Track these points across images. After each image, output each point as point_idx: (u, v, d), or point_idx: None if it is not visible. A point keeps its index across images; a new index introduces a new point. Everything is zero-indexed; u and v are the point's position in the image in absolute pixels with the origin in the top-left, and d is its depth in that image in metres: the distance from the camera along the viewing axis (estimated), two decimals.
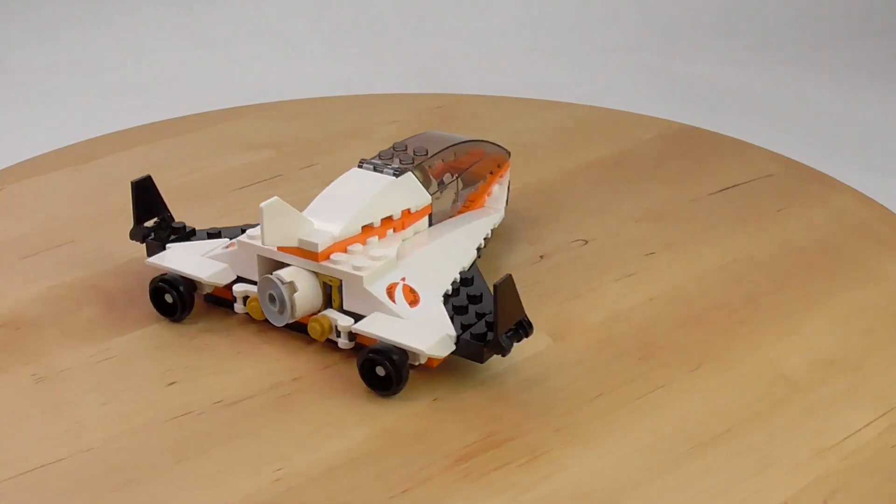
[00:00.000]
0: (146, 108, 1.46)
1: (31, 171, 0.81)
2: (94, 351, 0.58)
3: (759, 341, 0.60)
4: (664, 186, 0.79)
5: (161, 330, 0.60)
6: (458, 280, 0.59)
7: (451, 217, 0.65)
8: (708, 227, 0.73)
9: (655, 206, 0.76)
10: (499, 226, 0.68)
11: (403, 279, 0.57)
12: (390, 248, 0.59)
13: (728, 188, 0.79)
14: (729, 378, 0.57)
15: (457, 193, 0.66)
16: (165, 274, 0.60)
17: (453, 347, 0.54)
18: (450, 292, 0.58)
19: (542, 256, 0.68)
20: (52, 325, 0.61)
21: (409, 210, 0.61)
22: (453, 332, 0.54)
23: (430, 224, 0.63)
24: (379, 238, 0.59)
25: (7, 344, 0.59)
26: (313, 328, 0.56)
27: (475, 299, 0.56)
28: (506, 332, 0.53)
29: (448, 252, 0.61)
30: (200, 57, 1.84)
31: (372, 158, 0.63)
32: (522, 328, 0.55)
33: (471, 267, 0.61)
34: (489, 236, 0.66)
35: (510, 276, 0.52)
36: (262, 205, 0.55)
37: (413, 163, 0.63)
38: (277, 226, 0.55)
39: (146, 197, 0.64)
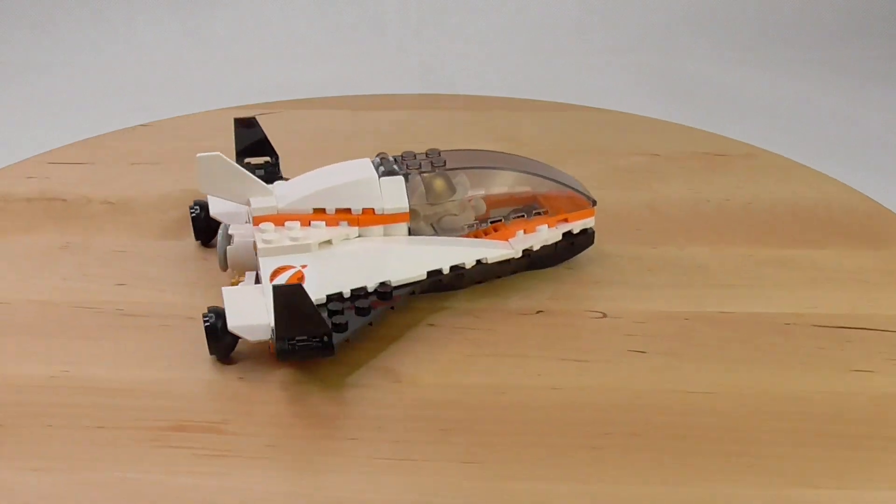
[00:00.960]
0: (146, 108, 1.48)
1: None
2: None
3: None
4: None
5: None
6: (372, 289, 0.58)
7: (459, 234, 0.63)
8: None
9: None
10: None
11: (304, 266, 0.58)
12: (321, 236, 0.59)
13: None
14: None
15: (475, 215, 0.64)
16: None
17: (259, 336, 0.54)
18: (347, 295, 0.57)
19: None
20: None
21: (373, 210, 0.61)
22: (270, 323, 0.54)
23: (410, 232, 0.62)
24: (326, 224, 0.60)
25: None
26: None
27: (358, 310, 0.56)
28: (289, 339, 0.53)
29: (377, 260, 0.60)
30: (200, 57, 1.85)
31: (393, 155, 0.63)
32: (319, 341, 0.54)
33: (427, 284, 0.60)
34: (486, 261, 0.62)
35: (298, 286, 0.52)
36: (199, 155, 0.59)
37: (420, 168, 0.62)
38: (214, 178, 0.60)
39: (249, 136, 0.69)
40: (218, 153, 0.59)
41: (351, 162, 0.64)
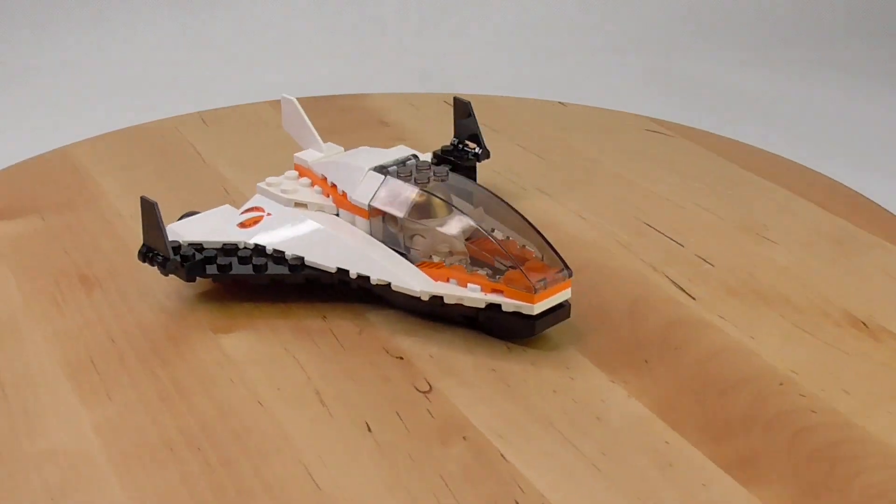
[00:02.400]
0: (146, 108, 1.47)
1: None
2: None
3: None
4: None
5: None
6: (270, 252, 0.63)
7: (421, 259, 0.61)
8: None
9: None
10: None
11: (269, 214, 0.65)
12: (300, 198, 0.66)
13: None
14: None
15: (449, 249, 0.61)
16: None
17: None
18: (268, 251, 0.63)
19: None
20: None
21: (345, 194, 0.64)
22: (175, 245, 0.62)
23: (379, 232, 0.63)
24: (323, 192, 0.66)
25: None
26: None
27: (240, 259, 0.63)
28: (143, 250, 0.62)
29: (310, 237, 0.63)
30: (200, 57, 1.85)
31: (422, 159, 0.65)
32: (159, 257, 0.62)
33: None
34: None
35: (150, 203, 0.59)
36: (283, 95, 0.68)
37: (412, 178, 0.62)
38: (290, 119, 0.68)
39: (465, 123, 0.73)
40: (294, 99, 0.67)
41: (391, 149, 0.68)
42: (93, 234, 0.72)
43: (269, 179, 0.68)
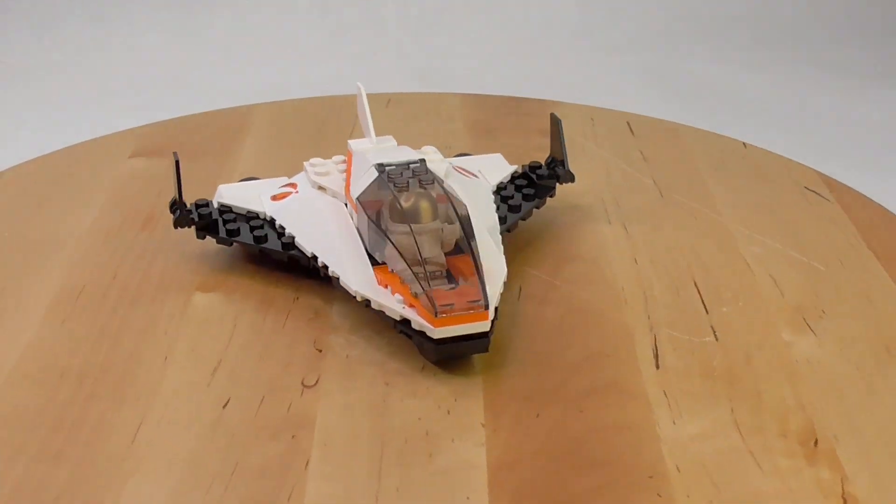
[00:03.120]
0: (146, 108, 1.48)
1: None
2: None
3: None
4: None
5: None
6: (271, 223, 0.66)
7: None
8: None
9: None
10: None
11: (297, 192, 0.67)
12: (322, 182, 0.67)
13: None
14: None
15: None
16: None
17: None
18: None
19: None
20: None
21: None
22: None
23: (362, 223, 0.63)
24: (342, 172, 0.68)
25: None
26: None
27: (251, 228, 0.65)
28: (172, 201, 0.65)
29: (305, 218, 0.65)
30: (200, 57, 1.85)
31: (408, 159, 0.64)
32: (177, 210, 0.65)
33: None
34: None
35: (175, 159, 0.63)
36: (358, 83, 0.69)
37: (405, 181, 0.61)
38: (361, 107, 0.69)
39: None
40: (361, 87, 0.69)
41: (421, 149, 0.69)
42: (196, 188, 0.74)
43: (314, 160, 0.69)
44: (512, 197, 0.69)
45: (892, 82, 1.86)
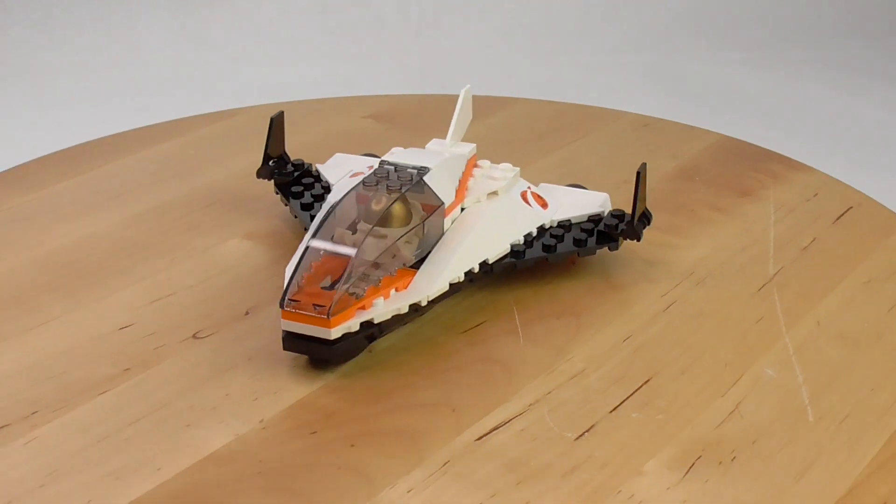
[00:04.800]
0: (146, 108, 1.46)
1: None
2: None
3: None
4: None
5: None
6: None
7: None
8: None
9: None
10: None
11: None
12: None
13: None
14: None
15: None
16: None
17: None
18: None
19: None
20: None
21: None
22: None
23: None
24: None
25: None
26: None
27: None
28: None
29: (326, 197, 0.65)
30: (200, 57, 1.83)
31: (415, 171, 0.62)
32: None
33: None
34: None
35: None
36: (467, 87, 0.68)
37: (364, 183, 0.60)
38: (463, 108, 0.68)
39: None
40: (462, 91, 0.68)
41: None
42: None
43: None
44: (558, 236, 0.64)
45: (893, 82, 1.83)
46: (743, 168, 0.79)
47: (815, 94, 1.78)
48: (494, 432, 0.51)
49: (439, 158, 0.63)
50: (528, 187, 0.67)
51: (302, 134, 0.84)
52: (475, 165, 0.67)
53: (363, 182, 0.60)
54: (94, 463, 0.49)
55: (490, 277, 0.62)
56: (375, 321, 0.55)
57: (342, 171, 0.68)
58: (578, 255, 0.64)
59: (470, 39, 1.94)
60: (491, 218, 0.63)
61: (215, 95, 1.59)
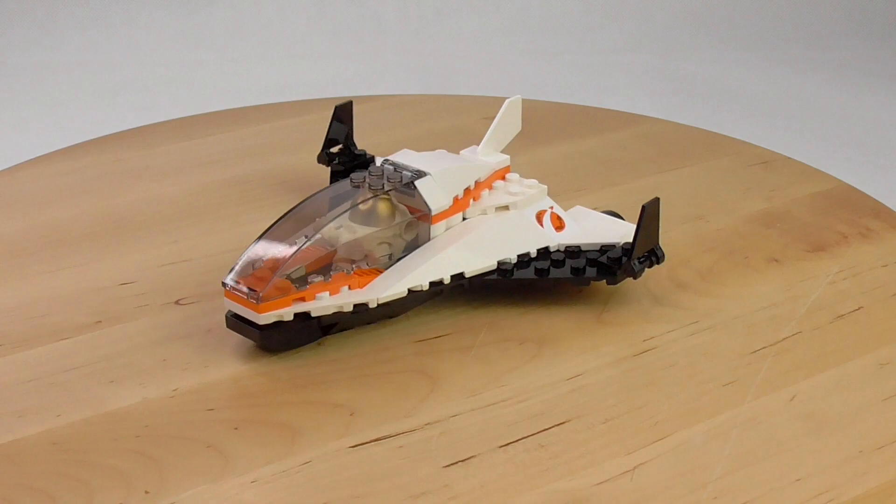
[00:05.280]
0: (146, 108, 1.49)
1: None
2: None
3: None
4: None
5: None
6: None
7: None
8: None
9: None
10: None
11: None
12: None
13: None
14: None
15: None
16: None
17: None
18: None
19: None
20: None
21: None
22: None
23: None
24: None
25: None
26: None
27: None
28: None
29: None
30: (200, 57, 1.84)
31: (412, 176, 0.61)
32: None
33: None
34: None
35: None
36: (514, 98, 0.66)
37: (352, 181, 0.60)
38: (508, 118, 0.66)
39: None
40: (507, 100, 0.66)
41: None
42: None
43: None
44: (558, 261, 0.62)
45: (893, 82, 1.87)
46: (836, 220, 0.72)
47: (815, 94, 1.81)
48: (374, 443, 0.50)
49: (444, 166, 0.62)
50: (551, 207, 0.65)
51: (409, 128, 0.86)
52: (502, 178, 0.66)
53: (351, 177, 0.61)
54: (6, 400, 0.53)
55: (480, 291, 0.61)
56: (313, 314, 0.56)
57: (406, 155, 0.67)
58: (572, 283, 0.62)
59: (470, 39, 1.96)
60: (484, 231, 0.61)
61: (215, 95, 1.60)
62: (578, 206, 0.67)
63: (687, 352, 0.58)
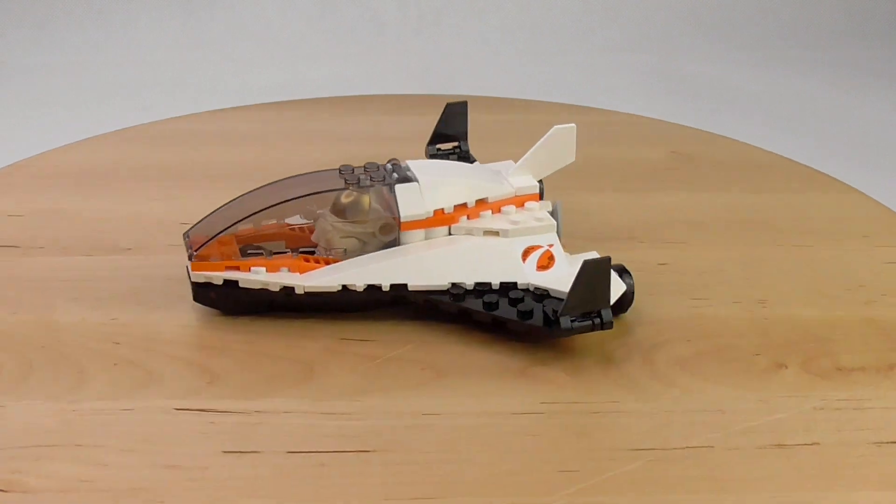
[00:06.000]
0: (146, 108, 1.52)
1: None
2: None
3: None
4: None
5: None
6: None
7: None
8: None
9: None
10: None
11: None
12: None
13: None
14: None
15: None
16: None
17: None
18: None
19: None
20: None
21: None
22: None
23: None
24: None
25: None
26: None
27: None
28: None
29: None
30: (200, 57, 1.89)
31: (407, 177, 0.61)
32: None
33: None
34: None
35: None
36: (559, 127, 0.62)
37: (346, 179, 0.61)
38: (555, 145, 0.63)
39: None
40: (556, 127, 0.62)
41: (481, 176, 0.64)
42: None
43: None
44: (516, 299, 0.58)
45: (893, 82, 1.88)
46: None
47: (814, 94, 1.83)
48: (185, 412, 0.52)
49: (441, 177, 0.61)
50: (551, 245, 0.61)
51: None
52: (521, 203, 0.63)
53: (340, 168, 0.62)
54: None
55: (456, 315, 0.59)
56: (241, 285, 0.58)
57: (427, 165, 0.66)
58: (508, 326, 0.57)
59: (470, 39, 1.99)
60: (452, 250, 0.59)
61: (215, 95, 1.62)
62: (594, 252, 0.62)
63: (582, 426, 0.52)
